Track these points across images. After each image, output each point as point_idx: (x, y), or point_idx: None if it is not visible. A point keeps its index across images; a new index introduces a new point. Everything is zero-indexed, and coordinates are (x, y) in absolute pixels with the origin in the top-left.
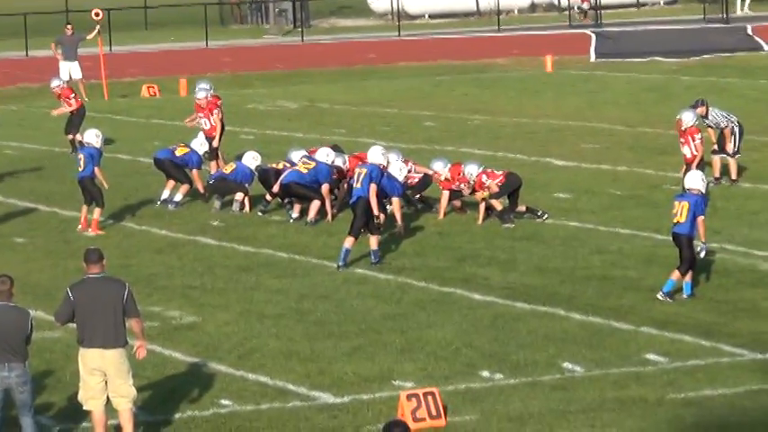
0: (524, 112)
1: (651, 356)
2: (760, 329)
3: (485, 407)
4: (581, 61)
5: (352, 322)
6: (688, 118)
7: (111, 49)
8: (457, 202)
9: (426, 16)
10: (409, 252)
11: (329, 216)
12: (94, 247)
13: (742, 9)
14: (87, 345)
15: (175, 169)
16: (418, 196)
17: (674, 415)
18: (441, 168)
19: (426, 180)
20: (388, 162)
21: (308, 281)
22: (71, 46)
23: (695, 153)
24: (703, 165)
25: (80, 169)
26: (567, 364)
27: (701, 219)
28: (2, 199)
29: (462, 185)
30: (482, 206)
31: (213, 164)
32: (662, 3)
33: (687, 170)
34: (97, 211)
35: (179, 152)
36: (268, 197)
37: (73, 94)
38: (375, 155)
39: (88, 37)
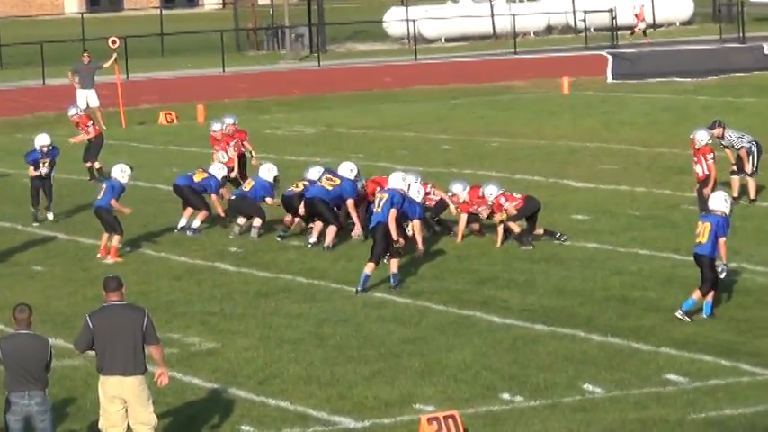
0: (542, 134)
1: (671, 377)
2: None
3: (505, 429)
4: (598, 82)
5: (372, 346)
6: (702, 137)
7: (127, 77)
8: (475, 225)
9: (442, 40)
10: (428, 275)
11: (358, 229)
12: (113, 274)
13: None
14: (107, 372)
15: (194, 195)
16: (436, 219)
17: None
18: (459, 191)
19: (443, 203)
20: (408, 186)
21: (328, 305)
22: (88, 74)
23: (707, 172)
24: (717, 184)
25: (99, 198)
26: (587, 386)
27: (722, 240)
28: (20, 227)
29: (480, 209)
30: (500, 229)
31: (224, 190)
32: (678, 23)
33: (700, 189)
34: (116, 238)
35: (197, 178)
36: (287, 220)
37: (91, 122)
38: (396, 180)
39: (105, 65)
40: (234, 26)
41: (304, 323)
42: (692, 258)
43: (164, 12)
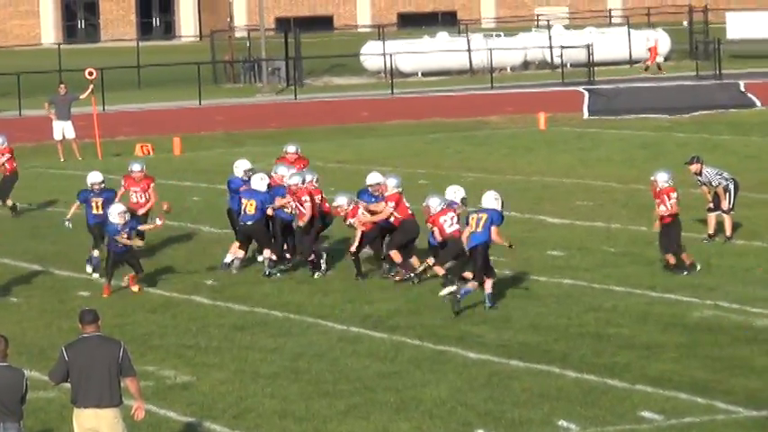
0: (517, 170)
1: (646, 414)
2: (755, 387)
3: None
4: (574, 118)
5: (347, 381)
6: (662, 178)
7: (104, 109)
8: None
9: (419, 74)
10: (404, 310)
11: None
12: (89, 307)
13: None
14: (82, 404)
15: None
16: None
17: None
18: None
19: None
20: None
21: (303, 340)
22: (64, 105)
23: (672, 210)
24: (678, 222)
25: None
26: (562, 422)
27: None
28: None
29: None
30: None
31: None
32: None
33: (665, 230)
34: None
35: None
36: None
37: (8, 156)
38: (491, 200)
39: (81, 96)
40: (211, 58)
41: (279, 357)
42: (668, 295)
43: (140, 43)
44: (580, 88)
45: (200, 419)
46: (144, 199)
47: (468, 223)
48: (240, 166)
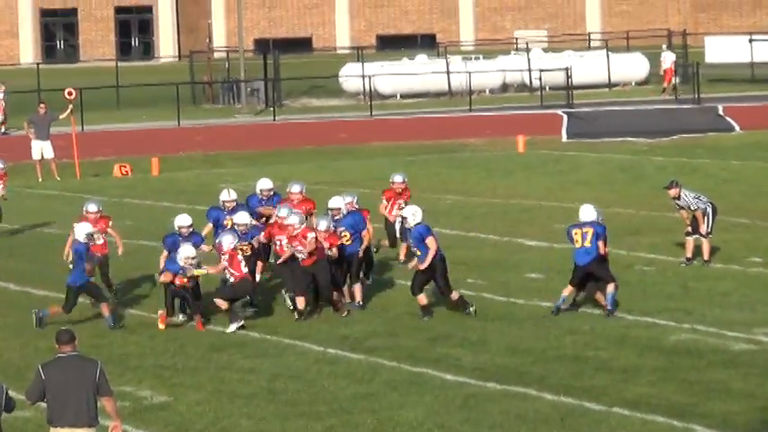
0: (496, 192)
1: None
2: (732, 410)
3: None
4: (553, 141)
5: (324, 402)
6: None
7: (83, 129)
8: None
9: (398, 96)
10: (381, 332)
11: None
12: (66, 327)
13: None
14: (57, 424)
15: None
16: None
17: None
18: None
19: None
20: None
21: (280, 361)
22: (44, 125)
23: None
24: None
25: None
26: None
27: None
28: None
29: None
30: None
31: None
32: (633, 83)
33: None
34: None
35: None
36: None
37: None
38: (591, 212)
39: (61, 116)
40: (190, 79)
41: (256, 378)
42: (645, 318)
43: (119, 64)
44: (559, 111)
45: None
46: (102, 240)
47: (572, 239)
48: (259, 185)
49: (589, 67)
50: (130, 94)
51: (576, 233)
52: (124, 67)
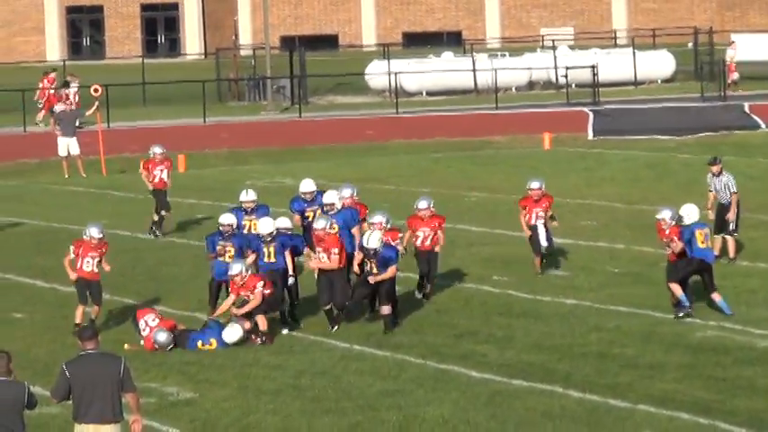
0: (521, 190)
1: None
2: (757, 407)
3: None
4: (579, 139)
5: (350, 399)
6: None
7: (109, 125)
8: None
9: (424, 93)
10: (407, 329)
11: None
12: (89, 323)
13: None
14: (83, 420)
15: None
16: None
17: None
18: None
19: None
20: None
21: (306, 357)
22: (70, 122)
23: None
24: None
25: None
26: None
27: None
28: (0, 274)
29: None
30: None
31: None
32: (659, 81)
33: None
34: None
35: None
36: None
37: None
38: (694, 212)
39: (87, 113)
40: (216, 76)
41: (282, 374)
42: (671, 315)
43: (146, 61)
44: (585, 109)
45: None
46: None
47: (692, 239)
48: (301, 187)
49: (615, 65)
50: (156, 91)
51: (700, 233)
52: (150, 64)
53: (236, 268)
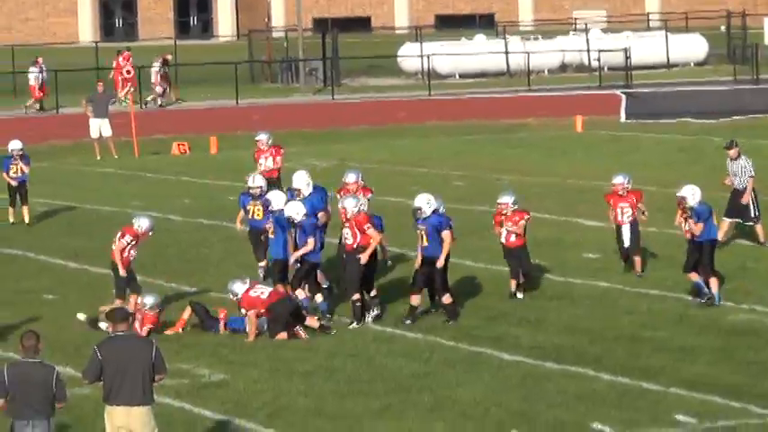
0: (554, 172)
1: (681, 417)
2: None
3: None
4: (611, 122)
5: (382, 380)
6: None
7: (141, 107)
8: None
9: (456, 76)
10: (439, 311)
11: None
12: (120, 305)
13: None
14: (113, 402)
15: None
16: None
17: None
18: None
19: None
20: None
21: (338, 339)
22: (102, 103)
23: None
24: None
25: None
26: (596, 425)
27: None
28: (32, 255)
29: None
30: None
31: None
32: (692, 64)
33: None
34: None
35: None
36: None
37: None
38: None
39: (120, 94)
40: (248, 58)
41: (314, 356)
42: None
43: (178, 42)
44: (617, 92)
45: (234, 417)
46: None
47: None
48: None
49: (648, 48)
50: (189, 73)
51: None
52: (183, 46)
53: (237, 287)
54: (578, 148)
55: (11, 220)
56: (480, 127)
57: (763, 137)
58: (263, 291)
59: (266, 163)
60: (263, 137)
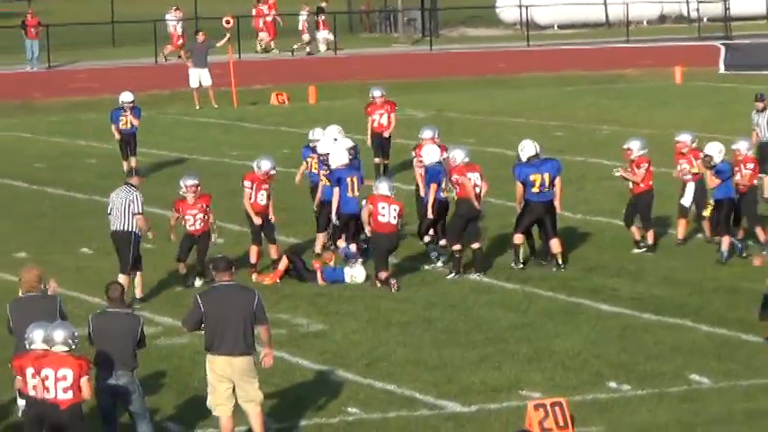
0: (653, 124)
1: None
2: None
3: (612, 417)
4: (710, 73)
5: (480, 331)
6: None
7: (240, 57)
8: None
9: (555, 26)
10: (541, 262)
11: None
12: (222, 255)
13: None
14: (215, 351)
15: None
16: None
17: None
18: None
19: None
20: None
21: (436, 289)
22: (201, 53)
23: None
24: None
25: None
26: (694, 376)
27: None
28: None
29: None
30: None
31: None
32: None
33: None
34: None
35: None
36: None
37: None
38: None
39: (218, 44)
40: (347, 8)
41: (412, 307)
42: None
43: None
44: (716, 43)
45: (332, 367)
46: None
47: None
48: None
49: None
50: (288, 23)
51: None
52: None
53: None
54: (677, 100)
55: (124, 167)
56: (579, 78)
57: None
58: None
59: (380, 119)
60: (378, 92)
